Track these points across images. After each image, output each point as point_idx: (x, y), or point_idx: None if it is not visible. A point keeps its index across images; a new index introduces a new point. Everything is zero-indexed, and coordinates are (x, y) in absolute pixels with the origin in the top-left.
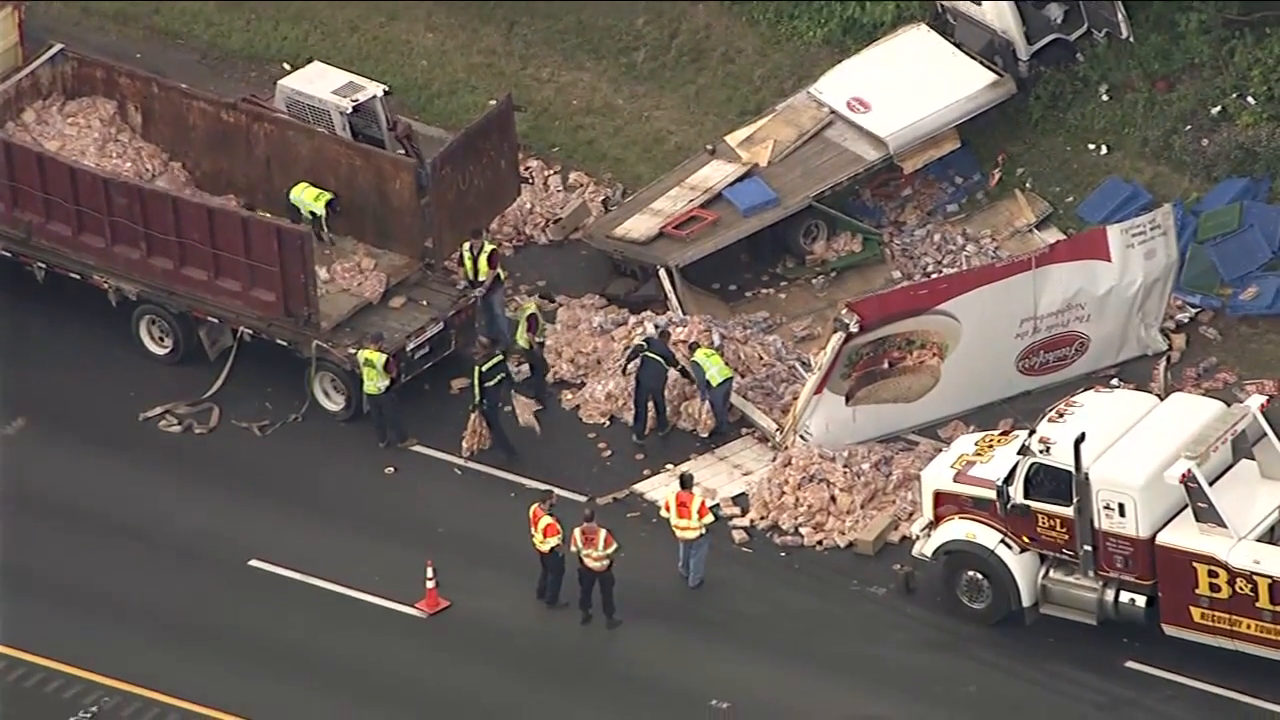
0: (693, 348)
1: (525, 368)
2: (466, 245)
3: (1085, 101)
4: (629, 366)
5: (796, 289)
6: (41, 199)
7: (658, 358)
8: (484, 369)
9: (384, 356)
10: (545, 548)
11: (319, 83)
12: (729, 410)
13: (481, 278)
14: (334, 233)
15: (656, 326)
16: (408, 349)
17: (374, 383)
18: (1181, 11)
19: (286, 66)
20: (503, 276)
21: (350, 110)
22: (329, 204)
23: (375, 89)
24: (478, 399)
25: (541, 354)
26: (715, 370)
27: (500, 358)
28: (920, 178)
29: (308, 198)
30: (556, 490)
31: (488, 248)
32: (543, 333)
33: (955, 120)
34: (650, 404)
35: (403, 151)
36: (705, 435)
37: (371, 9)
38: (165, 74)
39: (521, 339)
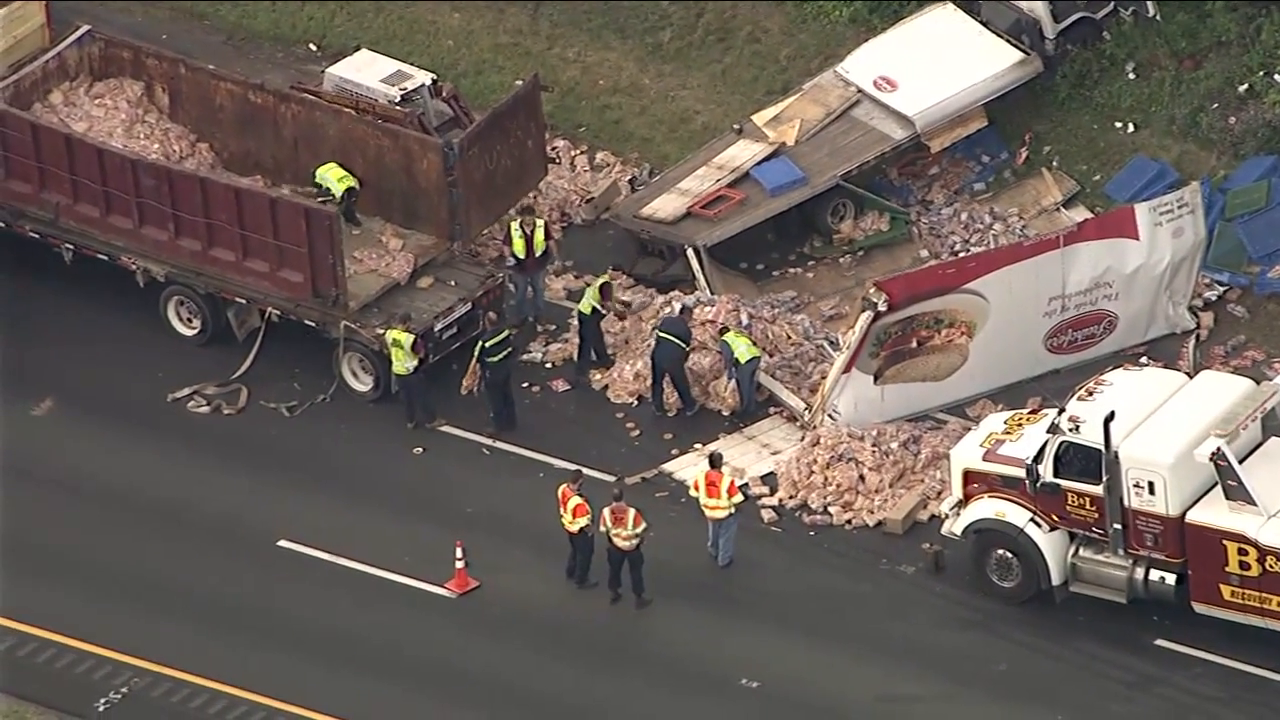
0: (722, 330)
1: (575, 339)
2: (515, 223)
3: (1112, 80)
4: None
5: (824, 268)
6: (69, 180)
7: (670, 337)
8: (486, 344)
9: (412, 337)
10: (574, 528)
11: (367, 71)
12: (757, 390)
13: (538, 253)
14: (360, 213)
15: (685, 307)
16: (435, 329)
17: (402, 363)
18: None
19: (313, 47)
20: (553, 251)
21: (399, 99)
22: (348, 190)
23: (424, 77)
24: (475, 358)
25: (596, 327)
26: (743, 347)
27: (507, 334)
28: (947, 156)
29: (333, 177)
30: (585, 470)
31: (540, 223)
32: (614, 305)
33: (982, 99)
34: (671, 384)
35: (451, 114)
36: (728, 413)
37: None
38: (191, 55)
39: (584, 303)
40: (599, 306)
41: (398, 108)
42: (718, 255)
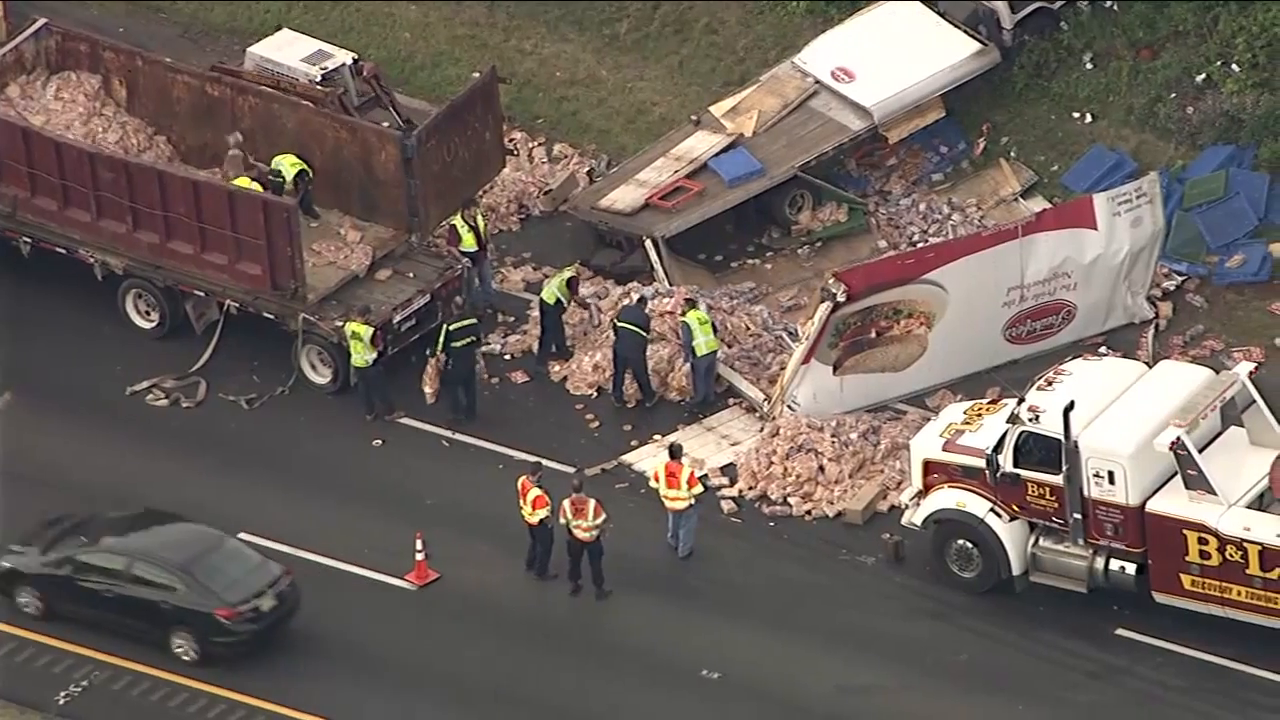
0: (690, 302)
1: (535, 331)
2: (458, 218)
3: (1070, 70)
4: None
5: (782, 259)
6: (27, 173)
7: (631, 327)
8: (451, 328)
9: (371, 329)
10: (534, 519)
11: (288, 50)
12: (715, 382)
13: (483, 239)
14: (318, 206)
15: (643, 297)
16: (394, 321)
17: (361, 356)
18: None
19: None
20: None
21: (319, 79)
22: (299, 174)
23: (344, 56)
24: (439, 349)
25: (558, 318)
26: (702, 340)
27: (473, 321)
28: (905, 147)
29: (287, 163)
30: (545, 462)
31: (480, 211)
32: (578, 298)
33: (940, 89)
34: (631, 375)
35: (372, 94)
36: (677, 398)
37: None
38: (148, 48)
39: (547, 293)
40: (563, 298)
41: (318, 87)
42: (676, 246)
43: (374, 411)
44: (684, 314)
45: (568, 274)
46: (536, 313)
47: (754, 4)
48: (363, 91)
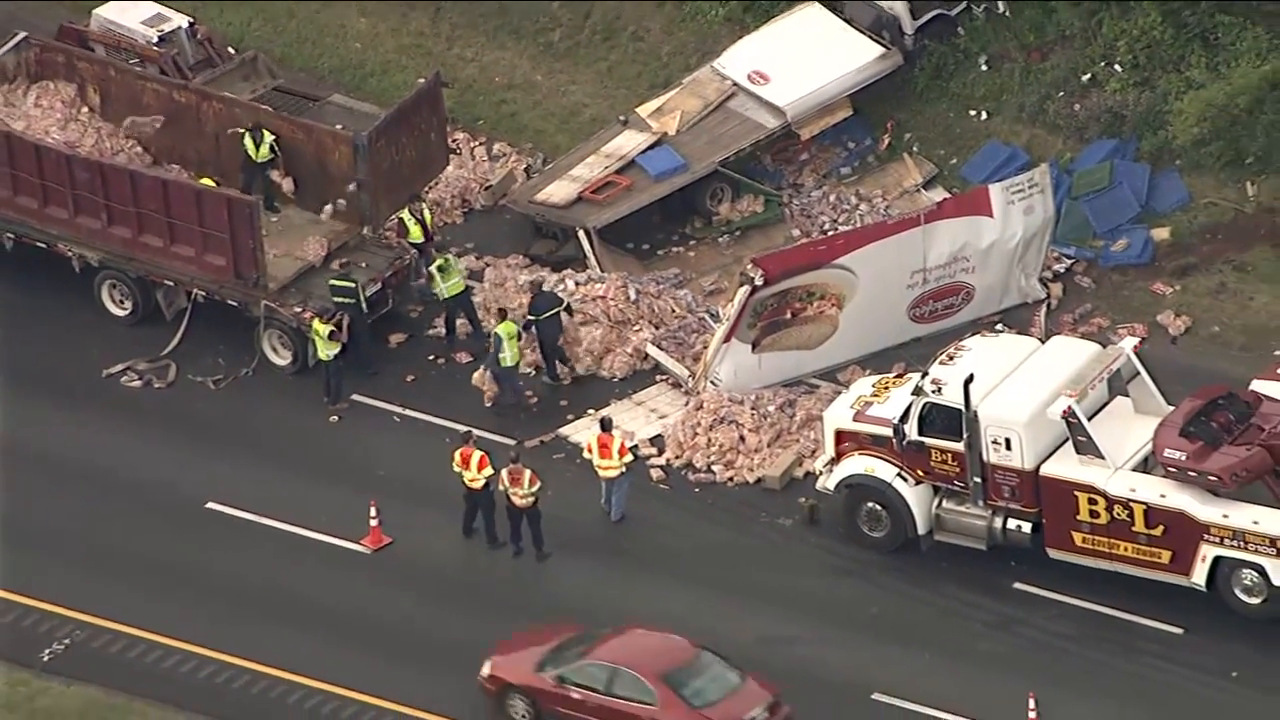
0: (502, 314)
1: (454, 320)
2: (405, 212)
3: (966, 71)
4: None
5: (705, 247)
6: (10, 175)
7: (550, 313)
8: (333, 282)
9: (328, 328)
10: (479, 483)
11: (130, 13)
12: (644, 359)
13: (429, 232)
14: (277, 202)
15: (534, 282)
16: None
17: (323, 350)
18: None
19: (232, 51)
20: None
21: (156, 40)
22: (272, 145)
23: (181, 20)
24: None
25: (469, 302)
26: (509, 354)
27: (349, 278)
28: (816, 143)
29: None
30: (486, 435)
31: (425, 205)
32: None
33: (847, 90)
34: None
35: (205, 56)
36: (489, 404)
37: None
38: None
39: (452, 285)
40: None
41: (155, 48)
42: (607, 236)
43: (331, 396)
44: (498, 325)
45: (439, 262)
46: (453, 306)
47: (676, 13)
48: (197, 54)
